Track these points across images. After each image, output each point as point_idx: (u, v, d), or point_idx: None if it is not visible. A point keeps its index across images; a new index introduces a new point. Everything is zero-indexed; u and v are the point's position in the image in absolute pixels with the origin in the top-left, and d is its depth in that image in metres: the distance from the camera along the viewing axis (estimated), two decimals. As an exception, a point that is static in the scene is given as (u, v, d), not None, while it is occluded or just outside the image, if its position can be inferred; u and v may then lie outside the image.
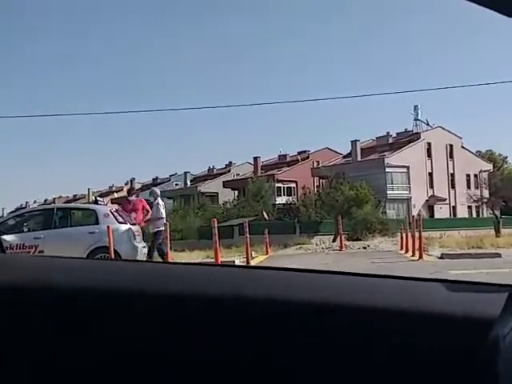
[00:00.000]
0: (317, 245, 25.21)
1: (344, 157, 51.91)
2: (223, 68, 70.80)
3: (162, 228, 12.13)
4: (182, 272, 1.27)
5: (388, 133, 52.02)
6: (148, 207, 12.38)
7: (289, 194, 50.22)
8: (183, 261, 12.71)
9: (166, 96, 67.27)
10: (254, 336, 1.04)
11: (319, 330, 1.01)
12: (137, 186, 68.38)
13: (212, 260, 13.11)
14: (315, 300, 1.04)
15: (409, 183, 46.79)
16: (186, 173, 63.06)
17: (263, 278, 1.19)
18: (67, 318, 1.08)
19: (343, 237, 22.67)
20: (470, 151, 51.37)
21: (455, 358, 0.92)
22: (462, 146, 50.61)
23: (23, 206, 52.89)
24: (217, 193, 55.46)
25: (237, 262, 14.93)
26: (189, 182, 62.47)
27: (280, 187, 51.19)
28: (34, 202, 63.53)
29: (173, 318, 1.07)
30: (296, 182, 50.72)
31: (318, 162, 51.46)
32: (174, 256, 15.75)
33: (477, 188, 44.39)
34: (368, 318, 0.98)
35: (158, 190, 13.13)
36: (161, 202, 12.44)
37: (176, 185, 64.65)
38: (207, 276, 1.20)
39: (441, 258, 14.28)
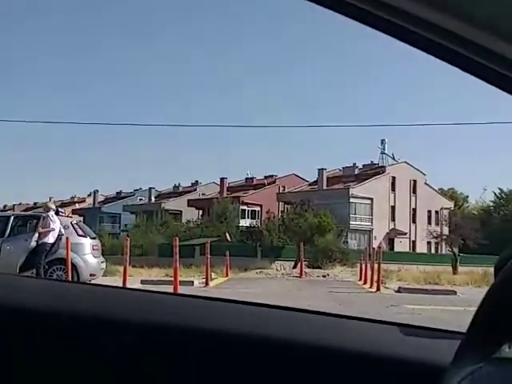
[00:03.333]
0: (277, 270, 25.24)
1: (310, 184, 52.33)
2: (193, 88, 70.99)
3: (49, 241, 11.16)
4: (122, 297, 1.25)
5: (354, 164, 52.77)
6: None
7: (253, 217, 50.22)
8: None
9: (134, 109, 66.89)
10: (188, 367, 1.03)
11: (269, 366, 1.00)
12: (100, 199, 67.47)
13: (171, 278, 12.99)
14: (265, 335, 1.03)
15: (371, 215, 47.40)
16: (150, 188, 62.48)
17: (209, 309, 1.18)
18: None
19: (304, 264, 22.76)
20: (432, 188, 52.43)
21: None
22: (426, 183, 51.63)
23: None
24: (181, 211, 55.04)
25: (196, 283, 14.83)
26: (153, 198, 61.91)
27: (245, 210, 51.16)
28: (-7, 207, 61.98)
29: (111, 343, 1.05)
30: (261, 205, 50.79)
31: (284, 187, 51.72)
32: (132, 272, 15.54)
33: (437, 224, 45.18)
34: (318, 357, 0.98)
35: (52, 205, 12.09)
36: (52, 214, 11.41)
37: (140, 200, 63.97)
38: (152, 303, 1.19)
39: (398, 291, 14.45)
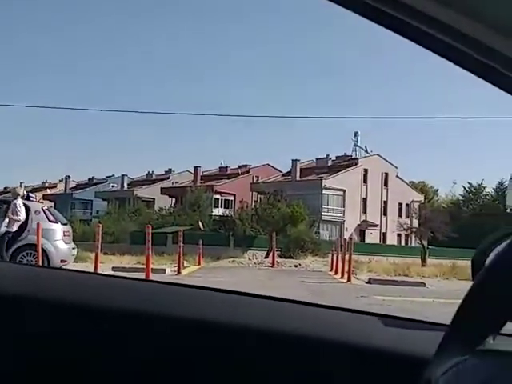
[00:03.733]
0: (249, 259, 25.26)
1: (283, 175, 52.41)
2: (168, 74, 70.27)
3: (12, 230, 10.91)
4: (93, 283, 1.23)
5: (328, 155, 52.99)
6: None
7: (226, 207, 50.12)
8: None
9: (108, 95, 65.96)
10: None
11: (246, 355, 1.00)
12: (71, 185, 66.49)
13: (143, 266, 12.91)
14: (244, 323, 1.03)
15: (343, 206, 47.75)
16: (123, 175, 61.79)
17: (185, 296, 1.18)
18: None
19: (276, 253, 22.82)
20: (404, 181, 52.98)
21: None
22: (397, 176, 52.12)
23: None
24: (153, 198, 54.61)
25: (168, 271, 14.77)
26: (126, 185, 61.26)
27: (218, 199, 51.02)
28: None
29: (85, 328, 1.04)
30: (234, 195, 50.72)
31: (257, 177, 51.72)
32: (103, 259, 15.40)
33: (407, 217, 45.76)
34: (294, 346, 0.97)
35: (19, 191, 11.62)
36: (20, 204, 11.08)
37: (112, 186, 63.24)
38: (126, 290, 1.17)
39: (368, 282, 14.60)
